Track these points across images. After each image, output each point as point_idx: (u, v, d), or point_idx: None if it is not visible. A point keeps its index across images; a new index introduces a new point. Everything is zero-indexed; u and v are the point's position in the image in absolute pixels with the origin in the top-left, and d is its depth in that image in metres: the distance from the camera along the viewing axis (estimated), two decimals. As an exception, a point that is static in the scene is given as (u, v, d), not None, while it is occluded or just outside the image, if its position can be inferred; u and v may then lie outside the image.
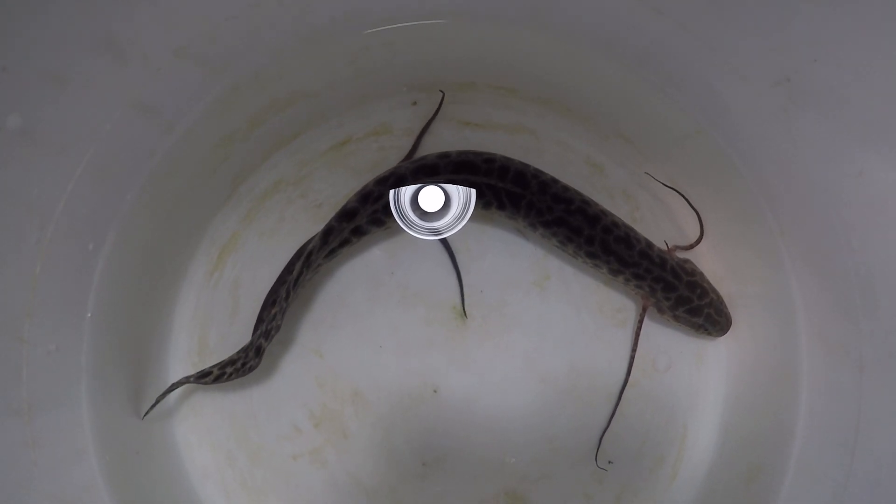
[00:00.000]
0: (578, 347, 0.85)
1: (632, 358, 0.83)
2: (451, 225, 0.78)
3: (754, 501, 0.78)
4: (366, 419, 0.83)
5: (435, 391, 0.83)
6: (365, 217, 0.74)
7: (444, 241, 0.83)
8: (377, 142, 0.85)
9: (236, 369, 0.74)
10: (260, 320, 0.80)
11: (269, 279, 0.83)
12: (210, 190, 0.82)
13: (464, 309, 0.83)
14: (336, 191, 0.84)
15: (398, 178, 0.74)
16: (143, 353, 0.79)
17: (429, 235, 0.79)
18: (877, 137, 0.65)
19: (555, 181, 0.76)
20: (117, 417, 0.73)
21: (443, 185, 0.75)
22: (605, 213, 0.77)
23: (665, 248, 0.82)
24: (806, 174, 0.73)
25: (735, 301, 0.84)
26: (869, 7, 0.59)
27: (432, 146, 0.86)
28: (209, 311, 0.82)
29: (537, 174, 0.75)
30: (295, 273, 0.72)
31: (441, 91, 0.82)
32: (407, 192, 0.75)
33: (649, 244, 0.79)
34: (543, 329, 0.84)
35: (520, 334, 0.84)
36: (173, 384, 0.74)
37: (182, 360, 0.82)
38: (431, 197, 0.77)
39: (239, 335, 0.82)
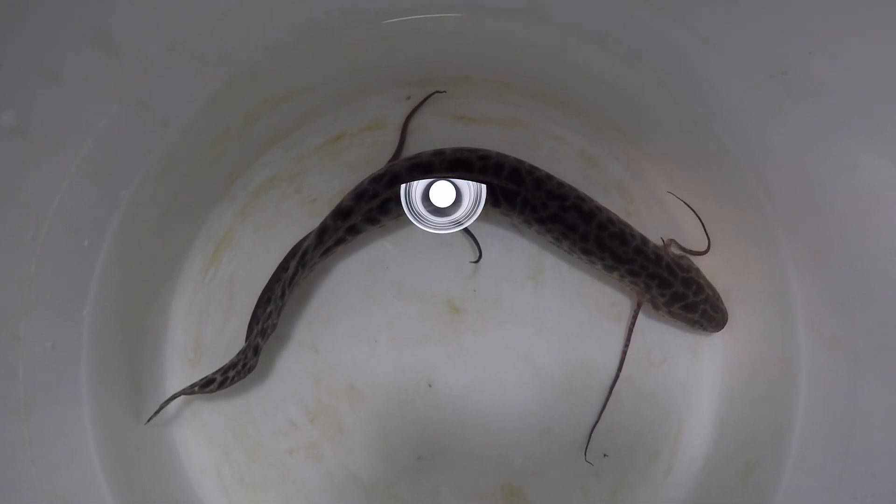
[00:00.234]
0: (573, 342, 0.85)
1: (624, 353, 0.83)
2: (465, 217, 0.77)
3: (751, 495, 0.79)
4: (361, 414, 0.83)
5: (430, 385, 0.84)
6: (360, 215, 0.74)
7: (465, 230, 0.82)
8: (371, 137, 0.85)
9: (238, 372, 0.74)
10: (255, 318, 0.80)
11: (265, 275, 0.83)
12: (205, 186, 0.82)
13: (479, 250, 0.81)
14: (331, 186, 0.84)
15: (393, 177, 0.74)
16: (140, 349, 0.79)
17: (443, 229, 0.79)
18: (871, 131, 0.65)
19: (550, 177, 0.76)
20: (116, 414, 0.73)
21: (453, 180, 0.76)
22: (600, 209, 0.77)
23: (661, 243, 0.83)
24: (802, 167, 0.73)
25: (731, 295, 0.85)
26: (862, 1, 0.59)
27: (427, 141, 0.86)
28: (205, 307, 0.83)
29: (532, 171, 0.75)
30: (290, 272, 0.72)
31: (442, 90, 0.83)
32: (418, 187, 0.75)
33: (644, 240, 0.79)
34: (538, 323, 0.85)
35: (515, 329, 0.84)
36: (176, 394, 0.74)
37: (179, 355, 0.82)
38: (442, 192, 0.77)
39: (235, 331, 0.83)
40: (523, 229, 0.82)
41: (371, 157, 0.84)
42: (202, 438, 0.81)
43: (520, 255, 0.85)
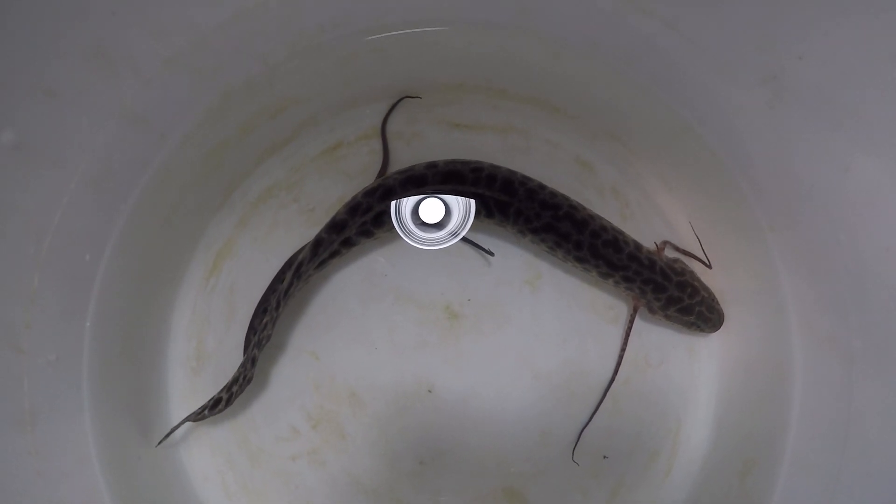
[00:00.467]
0: (571, 345, 0.86)
1: (620, 357, 0.84)
2: (457, 229, 0.78)
3: (749, 495, 0.80)
4: (362, 419, 0.84)
5: (430, 390, 0.84)
6: (354, 229, 0.75)
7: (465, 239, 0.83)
8: (368, 145, 0.86)
9: (240, 385, 0.75)
10: (252, 329, 0.81)
11: (265, 283, 0.84)
12: (204, 197, 0.83)
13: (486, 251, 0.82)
14: (328, 195, 0.85)
15: (387, 190, 0.74)
16: (142, 359, 0.80)
17: (431, 245, 0.80)
18: (861, 134, 0.66)
19: (542, 187, 0.76)
20: (119, 425, 0.74)
21: (442, 196, 0.77)
22: (592, 217, 0.78)
23: (655, 248, 0.83)
24: (793, 170, 0.73)
25: (727, 297, 0.85)
26: (852, 5, 0.60)
27: (423, 149, 0.87)
28: (206, 316, 0.84)
29: (525, 181, 0.76)
30: (285, 283, 0.73)
31: (415, 96, 0.83)
32: (407, 204, 0.76)
33: (638, 246, 0.79)
34: (536, 327, 0.85)
35: (513, 333, 0.85)
36: (186, 418, 0.75)
37: (181, 365, 0.83)
38: (432, 208, 0.78)
39: (236, 339, 0.83)
40: (518, 238, 0.83)
41: (368, 166, 0.85)
42: (205, 446, 0.82)
43: (516, 260, 0.86)
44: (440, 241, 0.79)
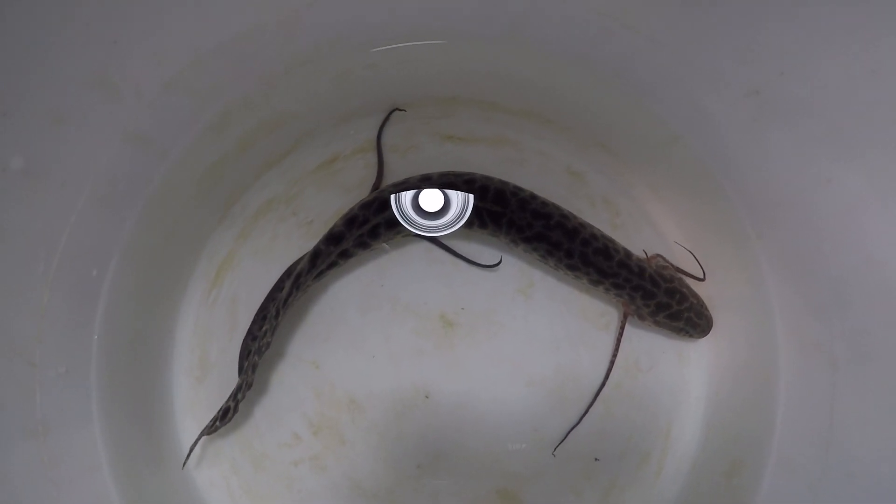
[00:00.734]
0: (564, 351, 0.88)
1: (611, 363, 0.86)
2: (451, 223, 0.80)
3: (736, 495, 0.82)
4: (362, 425, 0.86)
5: (427, 397, 0.87)
6: (351, 241, 0.77)
7: (435, 240, 0.86)
8: (364, 158, 0.88)
9: (244, 392, 0.78)
10: (251, 335, 0.83)
11: (265, 294, 0.86)
12: (205, 211, 0.85)
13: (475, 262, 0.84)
14: (326, 208, 0.87)
15: (382, 203, 0.77)
16: (148, 369, 0.83)
17: (429, 232, 0.81)
18: (842, 146, 0.67)
19: (534, 197, 0.78)
20: (126, 433, 0.77)
21: (444, 189, 0.78)
22: (583, 225, 0.80)
23: (644, 255, 0.85)
24: (778, 181, 0.75)
25: (715, 303, 0.87)
26: (831, 23, 0.61)
27: (418, 161, 0.89)
28: (209, 327, 0.86)
29: (516, 192, 0.78)
30: (284, 293, 0.75)
31: (401, 109, 0.85)
32: (409, 195, 0.78)
33: (628, 254, 0.81)
34: (529, 334, 0.88)
35: (506, 340, 0.87)
36: (202, 433, 0.77)
37: (185, 374, 0.85)
38: (431, 199, 0.79)
39: (238, 349, 0.86)
40: (511, 248, 0.85)
41: (364, 179, 0.87)
42: (210, 451, 0.85)
43: (509, 268, 0.88)
44: (442, 227, 0.80)
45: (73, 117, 0.62)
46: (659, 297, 0.81)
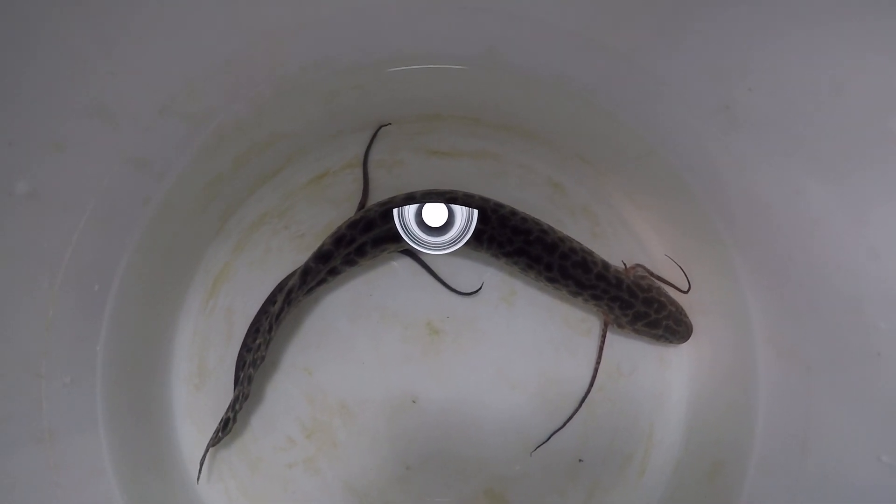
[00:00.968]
0: (546, 356, 0.91)
1: (595, 370, 0.89)
2: (456, 240, 0.82)
3: (718, 495, 0.84)
4: (353, 429, 0.90)
5: (414, 401, 0.90)
6: (339, 259, 0.80)
7: (419, 260, 0.89)
8: (352, 173, 0.92)
9: (241, 403, 0.82)
10: (245, 347, 0.87)
11: (260, 304, 0.89)
12: (202, 226, 0.89)
13: (455, 290, 0.87)
14: (317, 221, 0.91)
15: (368, 222, 0.80)
16: (148, 378, 0.86)
17: (438, 250, 0.83)
18: (808, 159, 0.69)
19: (514, 213, 0.81)
20: (129, 438, 0.81)
21: (451, 204, 0.81)
22: (562, 239, 0.82)
23: (623, 267, 0.88)
24: (749, 192, 0.78)
25: (694, 308, 0.90)
26: (796, 42, 0.64)
27: (403, 176, 0.92)
28: (207, 336, 0.90)
29: (496, 209, 0.81)
30: (277, 307, 0.79)
31: (387, 123, 0.88)
32: (412, 208, 0.81)
33: (606, 266, 0.84)
34: (512, 341, 0.91)
35: (490, 346, 0.90)
36: (208, 445, 0.81)
37: (184, 381, 0.89)
38: (435, 213, 0.82)
39: (234, 356, 0.90)
40: (492, 261, 0.88)
41: (353, 193, 0.90)
42: (209, 455, 0.88)
43: (492, 278, 0.91)
44: (446, 244, 0.83)
45: (74, 144, 0.66)
46: (637, 307, 0.84)
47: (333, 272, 0.81)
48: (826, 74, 0.63)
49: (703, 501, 0.87)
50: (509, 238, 0.80)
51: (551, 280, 0.82)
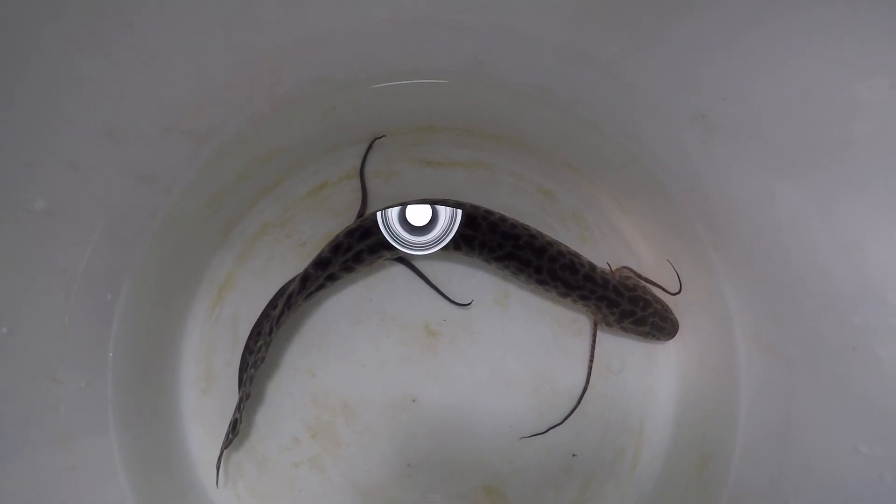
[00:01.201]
0: (539, 355, 0.95)
1: (589, 368, 0.92)
2: (438, 239, 0.85)
3: (706, 487, 0.87)
4: (355, 428, 0.93)
5: (414, 400, 0.94)
6: (337, 265, 0.84)
7: (414, 268, 0.93)
8: (350, 184, 0.95)
9: (246, 403, 0.86)
10: (248, 350, 0.91)
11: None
12: (206, 237, 0.93)
13: (452, 300, 0.91)
14: (317, 230, 0.95)
15: (364, 231, 0.84)
16: (158, 382, 0.90)
17: (413, 251, 0.86)
18: (783, 164, 0.73)
19: (503, 220, 0.85)
20: (140, 440, 0.84)
21: (432, 204, 0.84)
22: (550, 244, 0.86)
23: (609, 268, 0.92)
24: (728, 196, 0.81)
25: (680, 307, 0.93)
26: (765, 54, 0.67)
27: (399, 185, 0.96)
28: (213, 342, 0.94)
29: (486, 215, 0.85)
30: (277, 311, 0.83)
31: (381, 136, 0.92)
32: (395, 211, 0.85)
33: (593, 267, 0.88)
34: (507, 341, 0.94)
35: (486, 347, 0.94)
36: (222, 448, 0.85)
37: (192, 386, 0.93)
38: (418, 214, 0.85)
39: (240, 362, 0.93)
40: (484, 266, 0.92)
41: (351, 202, 0.94)
42: (217, 456, 0.92)
43: (486, 281, 0.95)
44: (430, 244, 0.86)
45: (87, 163, 0.70)
46: (623, 305, 0.87)
47: (332, 278, 0.85)
48: (793, 84, 0.66)
49: (691, 493, 0.90)
50: (499, 243, 0.84)
51: (541, 282, 0.86)
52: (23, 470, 0.70)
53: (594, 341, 0.92)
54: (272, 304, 0.91)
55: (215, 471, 0.86)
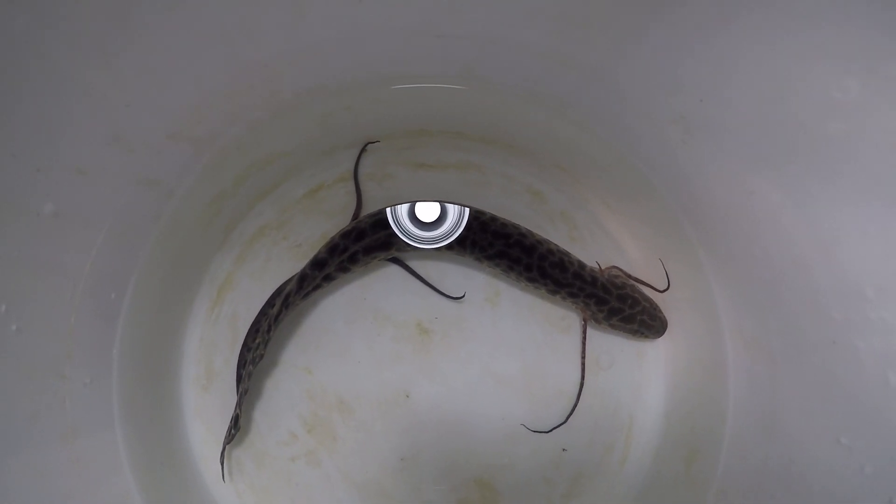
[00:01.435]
0: (529, 352, 0.97)
1: (582, 365, 0.94)
2: (447, 234, 0.88)
3: (695, 480, 0.89)
4: (351, 423, 0.96)
5: (407, 396, 0.96)
6: (333, 266, 0.87)
7: (407, 267, 0.96)
8: (345, 187, 0.98)
9: (245, 398, 0.88)
10: (246, 347, 0.94)
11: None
12: (206, 239, 0.96)
13: (449, 296, 0.93)
14: (313, 232, 0.98)
15: (359, 232, 0.87)
16: (159, 379, 0.93)
17: (431, 244, 0.88)
18: (760, 163, 0.74)
19: (494, 219, 0.88)
20: (143, 435, 0.87)
21: (444, 202, 0.87)
22: (540, 242, 0.88)
23: (598, 267, 0.94)
24: (710, 194, 0.83)
25: (668, 304, 0.96)
26: (738, 55, 0.70)
27: (392, 188, 0.99)
28: (213, 341, 0.97)
29: (477, 216, 0.87)
30: (275, 310, 0.86)
31: (375, 141, 0.95)
32: (405, 207, 0.87)
33: (582, 265, 0.90)
34: (497, 339, 0.97)
35: (477, 344, 0.96)
36: (224, 444, 0.87)
37: (193, 383, 0.96)
38: (427, 210, 0.88)
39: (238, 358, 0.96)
40: (477, 264, 0.94)
41: (346, 205, 0.97)
42: (217, 451, 0.94)
43: (477, 280, 0.97)
44: (438, 239, 0.87)
45: (94, 168, 0.73)
46: (611, 303, 0.90)
47: (328, 278, 0.88)
48: (768, 85, 0.68)
49: (680, 487, 0.91)
50: (490, 242, 0.86)
51: (531, 280, 0.89)
52: (30, 463, 0.72)
53: (584, 338, 0.95)
54: (270, 304, 0.94)
55: (218, 466, 0.89)
